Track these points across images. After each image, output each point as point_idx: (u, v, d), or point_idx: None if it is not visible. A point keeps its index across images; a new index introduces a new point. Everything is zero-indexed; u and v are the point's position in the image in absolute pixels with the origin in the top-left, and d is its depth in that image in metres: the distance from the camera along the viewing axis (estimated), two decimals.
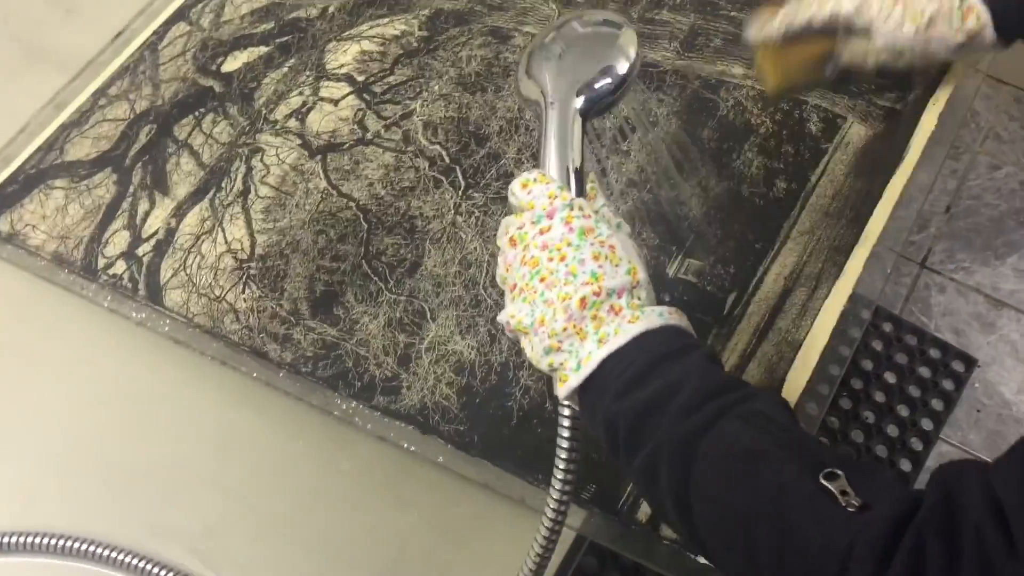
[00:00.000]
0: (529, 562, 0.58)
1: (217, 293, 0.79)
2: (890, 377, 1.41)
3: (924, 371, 1.42)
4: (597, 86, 0.58)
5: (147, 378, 0.77)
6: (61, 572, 0.69)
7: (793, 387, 0.70)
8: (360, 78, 0.91)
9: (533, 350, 0.52)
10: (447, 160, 0.84)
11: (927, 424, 1.38)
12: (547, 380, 0.68)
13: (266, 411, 0.75)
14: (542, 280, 0.51)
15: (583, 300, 0.50)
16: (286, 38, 0.95)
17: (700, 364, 0.49)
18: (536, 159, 0.58)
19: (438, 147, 0.85)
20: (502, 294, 0.56)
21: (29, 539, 0.69)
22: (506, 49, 0.91)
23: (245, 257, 0.81)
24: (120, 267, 0.81)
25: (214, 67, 0.94)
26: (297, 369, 0.74)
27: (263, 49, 0.94)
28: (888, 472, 1.29)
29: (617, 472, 0.68)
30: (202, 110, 0.91)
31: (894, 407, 1.39)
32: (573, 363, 0.50)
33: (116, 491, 0.72)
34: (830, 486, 0.42)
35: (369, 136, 0.87)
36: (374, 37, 0.93)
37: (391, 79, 0.90)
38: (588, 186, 0.56)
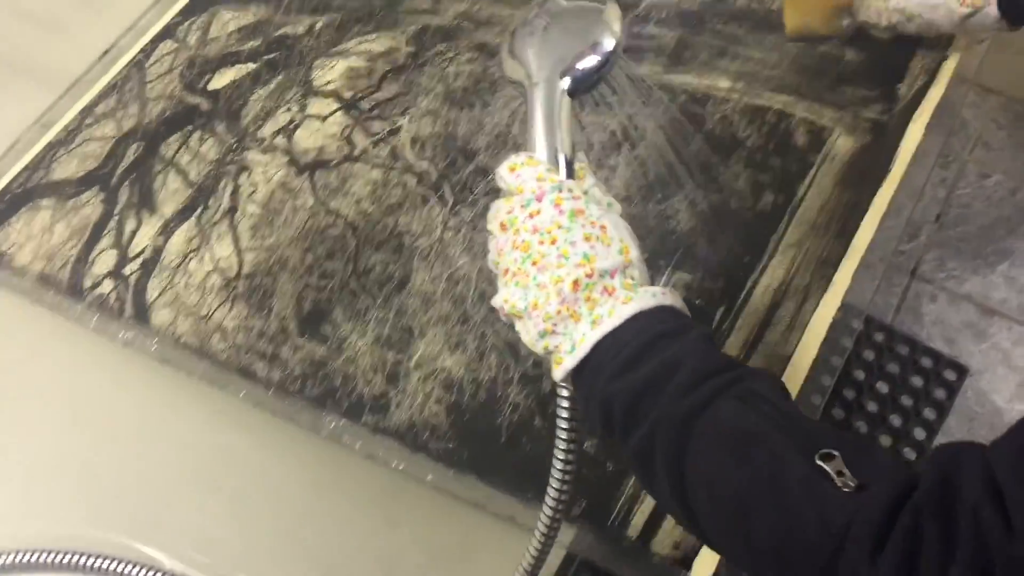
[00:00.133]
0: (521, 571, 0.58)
1: (204, 312, 0.78)
2: (882, 387, 1.41)
3: (916, 380, 1.42)
4: (583, 64, 0.57)
5: (134, 399, 0.77)
6: None
7: None
8: (347, 94, 0.90)
9: (528, 334, 0.51)
10: (435, 176, 0.84)
11: (920, 433, 1.38)
12: (544, 366, 0.67)
13: (254, 431, 0.74)
14: (534, 264, 0.51)
15: (576, 282, 0.50)
16: (273, 55, 0.95)
17: (695, 344, 0.49)
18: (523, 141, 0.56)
19: (426, 163, 0.85)
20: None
21: (20, 557, 0.68)
22: (493, 64, 0.90)
23: (232, 275, 0.80)
24: (107, 286, 0.81)
25: (201, 85, 0.94)
26: (285, 388, 0.74)
27: (250, 66, 0.94)
28: (885, 452, 1.28)
29: (607, 488, 0.67)
30: (189, 128, 0.91)
31: (887, 417, 1.39)
32: (568, 345, 0.50)
33: (102, 512, 0.72)
34: (826, 467, 0.41)
35: (357, 153, 0.86)
36: (361, 53, 0.93)
37: (378, 95, 0.90)
38: (577, 165, 0.55)
